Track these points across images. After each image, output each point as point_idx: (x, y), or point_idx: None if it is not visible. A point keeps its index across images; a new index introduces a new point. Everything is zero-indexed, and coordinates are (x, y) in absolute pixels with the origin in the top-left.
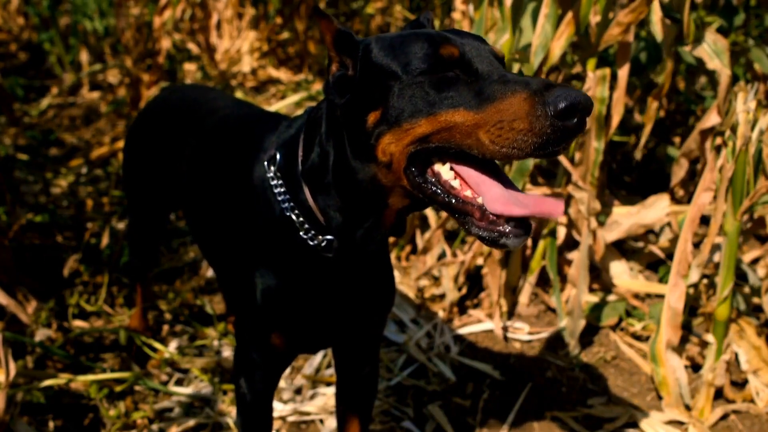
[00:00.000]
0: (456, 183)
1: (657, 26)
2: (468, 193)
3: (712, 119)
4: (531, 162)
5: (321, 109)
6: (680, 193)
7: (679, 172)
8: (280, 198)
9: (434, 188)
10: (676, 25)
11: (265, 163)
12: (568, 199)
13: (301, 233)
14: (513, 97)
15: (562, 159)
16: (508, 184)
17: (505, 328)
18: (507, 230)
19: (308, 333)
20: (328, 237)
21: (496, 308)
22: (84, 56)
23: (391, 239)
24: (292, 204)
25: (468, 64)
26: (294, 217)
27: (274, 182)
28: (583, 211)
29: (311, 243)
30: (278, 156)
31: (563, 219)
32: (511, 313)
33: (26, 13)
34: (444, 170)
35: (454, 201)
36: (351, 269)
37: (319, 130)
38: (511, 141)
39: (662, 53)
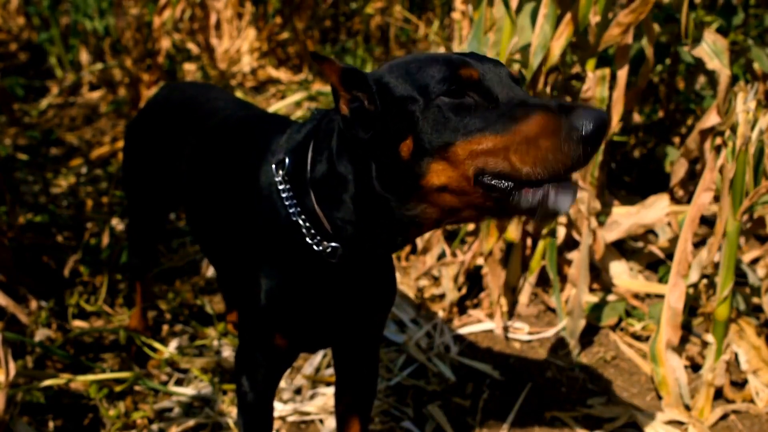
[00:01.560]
0: None
1: (647, 27)
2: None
3: (711, 119)
4: None
5: (332, 122)
6: (680, 193)
7: (678, 171)
8: (287, 203)
9: (500, 189)
10: (676, 25)
11: (273, 166)
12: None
13: (307, 238)
14: (535, 117)
15: None
16: None
17: (505, 328)
18: (554, 190)
19: (311, 333)
20: (333, 244)
21: (496, 308)
22: (84, 56)
23: None
24: (299, 209)
25: (488, 90)
26: (301, 221)
27: (282, 187)
28: (584, 210)
29: (316, 248)
30: (287, 161)
31: (563, 219)
32: (510, 313)
33: (27, 13)
34: None
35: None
36: (355, 273)
37: (329, 144)
38: (539, 159)
39: (666, 52)
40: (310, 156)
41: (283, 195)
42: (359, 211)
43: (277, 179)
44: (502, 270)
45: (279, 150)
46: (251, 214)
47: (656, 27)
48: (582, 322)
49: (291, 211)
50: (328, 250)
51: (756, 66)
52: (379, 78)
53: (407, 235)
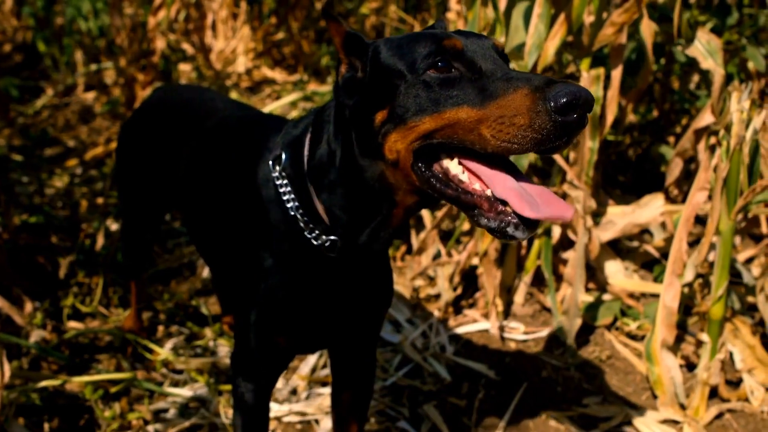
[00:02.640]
0: (465, 177)
1: (643, 27)
2: (477, 186)
3: (706, 119)
4: (526, 161)
5: (329, 110)
6: (674, 192)
7: (673, 171)
8: (285, 198)
9: (442, 183)
10: (670, 25)
11: (270, 162)
12: (564, 198)
13: (305, 233)
14: (515, 94)
15: (558, 158)
16: (519, 176)
17: (500, 328)
18: (515, 220)
19: (310, 332)
20: (332, 237)
21: (492, 308)
22: (78, 56)
23: None
24: (297, 204)
25: (471, 61)
26: (299, 216)
27: (279, 182)
28: (579, 209)
29: (315, 243)
30: (284, 156)
31: None
32: (506, 313)
33: (18, 13)
34: (452, 165)
35: (462, 194)
36: (354, 269)
37: (326, 131)
38: (511, 136)
39: (661, 52)
40: (307, 147)
41: (281, 190)
42: (347, 187)
43: (274, 175)
44: (498, 270)
45: (276, 146)
46: (249, 211)
47: (653, 24)
48: (578, 322)
49: (289, 206)
50: (327, 243)
51: (750, 65)
52: (375, 48)
53: (390, 220)
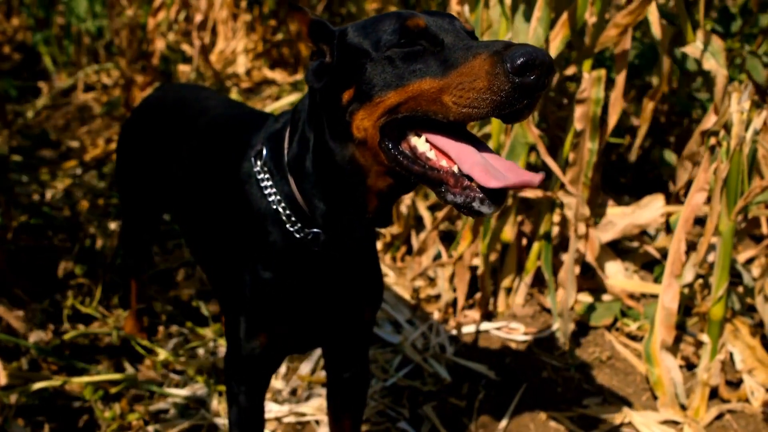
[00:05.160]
0: (432, 154)
1: (655, 26)
2: (444, 162)
3: (711, 120)
4: (524, 161)
5: (305, 100)
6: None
7: (682, 176)
8: (266, 192)
9: (409, 160)
10: (673, 27)
11: (252, 158)
12: (562, 205)
13: (287, 226)
14: (474, 60)
15: (552, 164)
16: (485, 150)
17: (500, 329)
18: (481, 195)
19: (298, 331)
20: (315, 230)
21: (492, 308)
22: (78, 56)
23: (387, 238)
24: (278, 197)
25: (434, 36)
26: (281, 209)
27: (261, 176)
28: (570, 217)
29: (298, 236)
30: (264, 150)
31: (557, 219)
32: (506, 314)
33: (10, 12)
34: (420, 143)
35: (429, 171)
36: (339, 263)
37: (302, 120)
38: (471, 100)
39: (658, 54)
40: (286, 140)
41: (263, 184)
42: (321, 173)
43: (255, 169)
44: (498, 271)
45: (258, 142)
46: (234, 208)
47: (664, 22)
48: (572, 325)
49: (270, 199)
50: (309, 237)
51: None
52: (342, 31)
53: (366, 206)
